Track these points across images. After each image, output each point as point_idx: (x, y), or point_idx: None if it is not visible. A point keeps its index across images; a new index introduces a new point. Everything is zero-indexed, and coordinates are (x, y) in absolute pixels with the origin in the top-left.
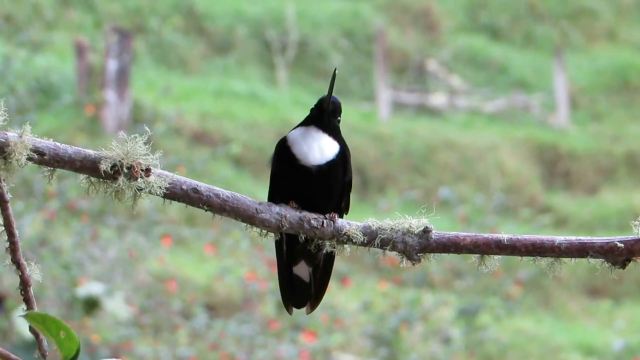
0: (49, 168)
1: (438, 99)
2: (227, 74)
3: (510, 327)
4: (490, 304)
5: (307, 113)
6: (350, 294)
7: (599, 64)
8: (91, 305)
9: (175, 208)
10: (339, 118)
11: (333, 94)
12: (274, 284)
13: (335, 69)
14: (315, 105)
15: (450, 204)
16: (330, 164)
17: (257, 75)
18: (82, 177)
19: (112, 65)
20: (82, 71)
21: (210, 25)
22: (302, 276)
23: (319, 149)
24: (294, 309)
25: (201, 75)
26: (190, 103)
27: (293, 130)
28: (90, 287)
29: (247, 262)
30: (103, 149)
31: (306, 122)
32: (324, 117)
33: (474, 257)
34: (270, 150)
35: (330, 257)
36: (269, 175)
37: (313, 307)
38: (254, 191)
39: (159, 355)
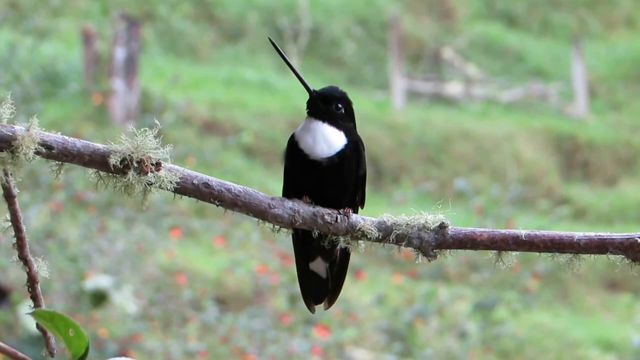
0: (57, 162)
1: (453, 88)
2: (237, 62)
3: (528, 322)
4: (507, 298)
5: None
6: (364, 288)
7: (618, 52)
8: (99, 298)
9: (185, 200)
10: (340, 105)
11: (333, 84)
12: (285, 277)
13: (269, 38)
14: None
15: (466, 195)
16: (341, 156)
17: (269, 64)
18: (90, 171)
19: (120, 53)
20: (89, 59)
21: (221, 13)
22: (319, 272)
23: (324, 140)
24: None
25: (211, 64)
26: (200, 92)
27: (301, 125)
28: (98, 280)
29: (258, 255)
30: (112, 143)
31: (309, 114)
32: (313, 105)
33: (491, 253)
34: (282, 139)
35: (346, 253)
36: (280, 165)
37: (330, 302)
38: (265, 182)
39: (169, 350)
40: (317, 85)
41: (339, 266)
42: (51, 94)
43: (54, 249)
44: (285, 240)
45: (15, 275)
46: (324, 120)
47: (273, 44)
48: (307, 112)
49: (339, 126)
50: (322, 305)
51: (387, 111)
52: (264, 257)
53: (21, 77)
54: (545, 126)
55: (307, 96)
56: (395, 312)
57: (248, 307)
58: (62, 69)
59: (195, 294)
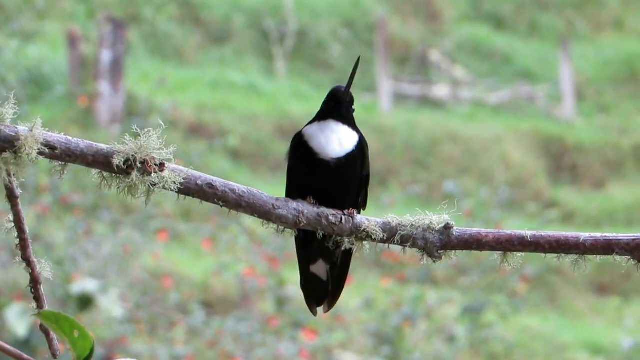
0: (60, 162)
1: (441, 90)
2: (224, 64)
3: (516, 325)
4: (496, 301)
5: (306, 104)
6: (351, 291)
7: (606, 54)
8: (85, 302)
9: (171, 202)
10: (353, 107)
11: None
12: (272, 281)
13: (359, 58)
14: (328, 98)
15: (454, 198)
16: (349, 157)
17: (255, 66)
18: (94, 171)
19: (105, 55)
20: (75, 62)
21: (207, 15)
22: (320, 274)
23: (338, 141)
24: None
25: (197, 66)
26: (186, 94)
27: (308, 125)
28: (84, 284)
29: (245, 258)
30: (115, 143)
31: (322, 116)
32: (342, 108)
33: (496, 255)
34: (268, 142)
35: (347, 256)
36: (267, 168)
37: (330, 305)
38: (251, 185)
39: (155, 354)
40: (303, 88)
41: (340, 269)
42: (37, 97)
43: (40, 252)
44: (272, 243)
45: (2, 277)
46: (342, 122)
47: (357, 63)
48: (329, 114)
49: (353, 128)
50: (322, 307)
51: (374, 114)
52: (251, 261)
53: (6, 80)
54: (533, 128)
55: (298, 96)
56: (383, 316)
57: (235, 310)
58: (48, 72)
59: (182, 298)
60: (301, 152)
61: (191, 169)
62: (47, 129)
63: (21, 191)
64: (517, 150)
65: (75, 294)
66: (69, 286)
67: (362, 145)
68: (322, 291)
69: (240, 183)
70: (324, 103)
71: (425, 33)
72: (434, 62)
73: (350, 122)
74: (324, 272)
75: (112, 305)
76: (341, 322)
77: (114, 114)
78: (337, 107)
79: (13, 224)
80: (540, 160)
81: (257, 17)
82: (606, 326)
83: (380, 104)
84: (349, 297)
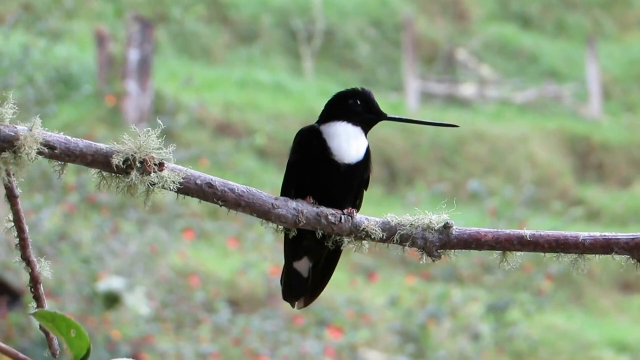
0: (59, 162)
1: (467, 89)
2: (251, 63)
3: (541, 323)
4: (520, 299)
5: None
6: (376, 289)
7: (632, 53)
8: (111, 300)
9: (197, 201)
10: (358, 102)
11: (347, 86)
12: None
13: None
14: (354, 100)
15: (480, 196)
16: (359, 163)
17: (283, 65)
18: (93, 171)
19: (133, 55)
20: (103, 61)
21: (235, 14)
22: (301, 271)
23: (357, 147)
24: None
25: (225, 65)
26: (213, 93)
27: (331, 123)
28: (110, 282)
29: (271, 257)
30: (115, 143)
31: (351, 118)
32: (367, 117)
33: (495, 254)
34: None
35: (334, 256)
36: None
37: (306, 303)
38: (278, 183)
39: (181, 352)
40: (330, 87)
41: (323, 269)
42: (65, 96)
43: (66, 251)
44: None
45: (27, 276)
46: (362, 128)
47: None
48: (359, 120)
49: (365, 133)
50: (297, 303)
51: (401, 112)
52: (276, 259)
53: (35, 79)
54: (559, 127)
55: (325, 95)
56: (408, 314)
57: (261, 308)
58: (76, 71)
59: (208, 296)
60: (314, 149)
61: (190, 167)
62: (74, 127)
63: (21, 190)
64: (543, 149)
65: (101, 292)
66: (95, 284)
67: (368, 151)
68: (300, 287)
69: (267, 181)
70: (348, 104)
71: (452, 32)
72: (460, 61)
73: (367, 129)
74: (305, 269)
75: (138, 303)
76: (366, 320)
77: (142, 113)
78: (368, 116)
79: (13, 224)
80: (567, 159)
81: (285, 17)
82: (631, 324)
83: (407, 102)
84: (375, 295)
